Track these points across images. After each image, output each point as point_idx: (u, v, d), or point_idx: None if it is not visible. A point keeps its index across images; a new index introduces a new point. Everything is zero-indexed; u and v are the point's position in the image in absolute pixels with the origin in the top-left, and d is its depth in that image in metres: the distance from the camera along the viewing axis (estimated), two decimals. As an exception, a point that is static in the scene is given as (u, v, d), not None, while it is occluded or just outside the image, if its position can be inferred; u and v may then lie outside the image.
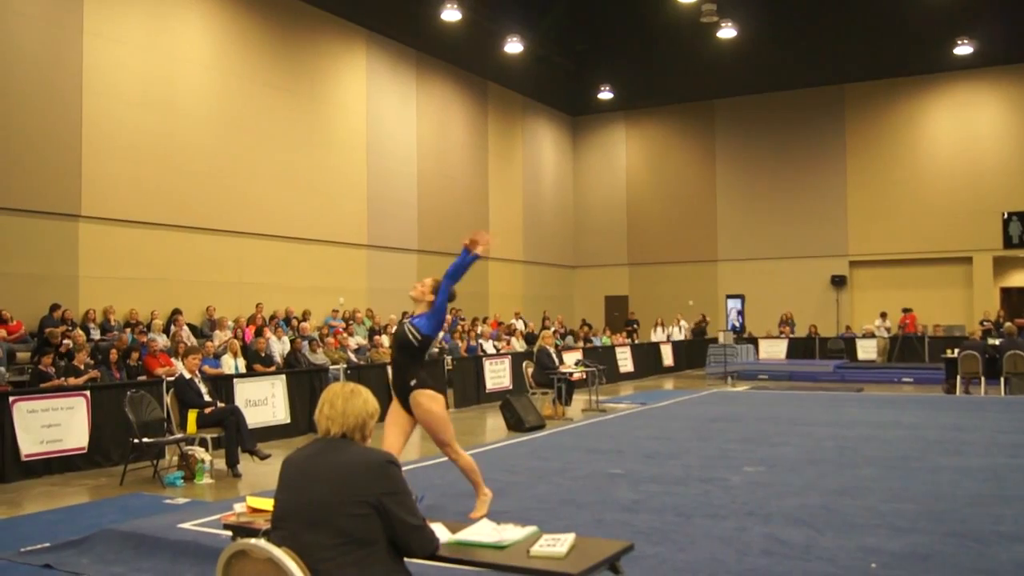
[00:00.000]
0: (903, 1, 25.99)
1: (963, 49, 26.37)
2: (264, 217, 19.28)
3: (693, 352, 27.10)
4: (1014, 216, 26.82)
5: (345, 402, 3.33)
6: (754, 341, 27.51)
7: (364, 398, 3.37)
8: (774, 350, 27.12)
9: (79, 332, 14.11)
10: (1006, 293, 27.98)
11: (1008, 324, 19.18)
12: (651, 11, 28.10)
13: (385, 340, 18.94)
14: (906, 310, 26.48)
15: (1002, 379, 17.14)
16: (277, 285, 19.44)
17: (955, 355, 18.02)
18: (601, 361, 17.87)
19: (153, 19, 17.21)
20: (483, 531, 3.69)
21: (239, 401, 11.89)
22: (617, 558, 3.51)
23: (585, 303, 32.57)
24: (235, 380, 12.62)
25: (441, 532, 3.57)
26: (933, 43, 26.74)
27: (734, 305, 30.54)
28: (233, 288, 18.44)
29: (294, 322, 18.43)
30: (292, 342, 16.48)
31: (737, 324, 29.68)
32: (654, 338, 27.34)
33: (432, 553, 3.34)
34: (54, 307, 14.66)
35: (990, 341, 19.61)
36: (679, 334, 27.98)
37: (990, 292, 27.39)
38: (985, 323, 24.98)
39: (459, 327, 22.06)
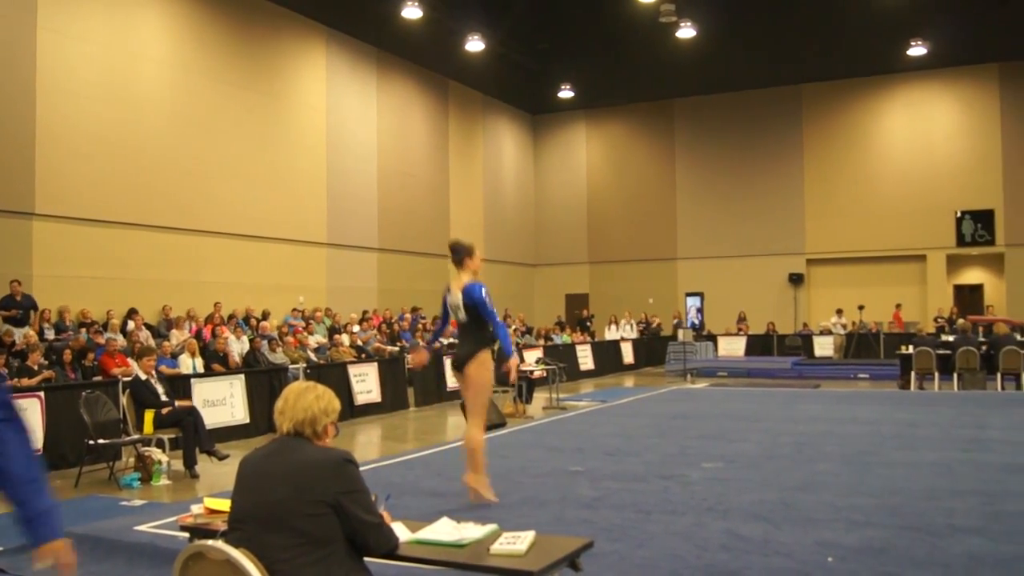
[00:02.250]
0: (858, 2, 26.27)
1: (917, 50, 26.71)
2: (223, 215, 19.09)
3: (653, 349, 27.24)
4: (967, 215, 27.29)
5: (297, 397, 3.32)
6: (713, 338, 27.73)
7: (317, 395, 3.34)
8: (733, 347, 27.35)
9: (31, 332, 13.88)
10: (959, 290, 28.44)
11: (961, 321, 19.50)
12: (611, 11, 28.16)
13: (345, 339, 18.84)
14: (868, 306, 26.77)
15: (955, 375, 17.43)
16: (236, 284, 19.26)
17: (910, 351, 18.30)
18: (561, 359, 17.91)
19: (110, 15, 16.96)
20: (443, 530, 3.69)
21: (197, 401, 11.76)
22: (577, 555, 3.52)
23: (546, 301, 32.62)
24: (193, 380, 12.49)
25: (401, 531, 3.56)
26: (887, 44, 27.06)
27: (693, 303, 30.76)
28: (191, 287, 18.23)
29: (253, 321, 18.28)
30: (251, 341, 16.35)
31: (696, 321, 29.88)
32: (608, 336, 27.45)
33: (392, 552, 3.34)
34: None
35: (943, 337, 19.95)
36: (631, 331, 28.05)
37: (944, 289, 27.84)
38: (939, 320, 25.41)
39: (419, 325, 22.02)
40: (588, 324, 28.67)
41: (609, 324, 28.15)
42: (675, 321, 28.80)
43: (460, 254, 7.37)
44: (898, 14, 25.52)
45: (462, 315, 7.23)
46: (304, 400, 3.30)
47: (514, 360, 7.14)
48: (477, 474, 7.23)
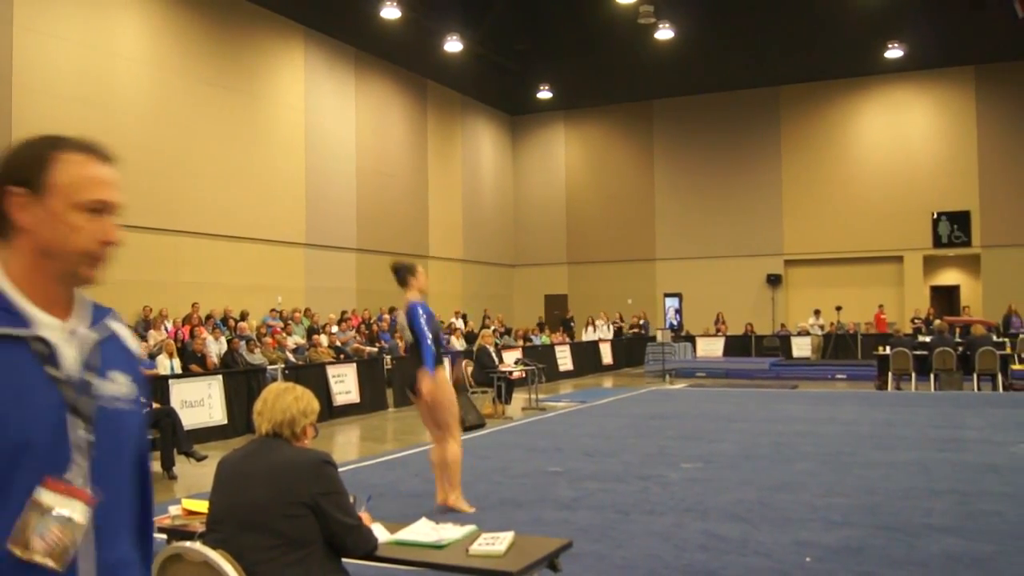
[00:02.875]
0: (836, 5, 26.43)
1: (894, 53, 26.89)
2: (200, 215, 18.96)
3: (632, 350, 27.28)
4: (943, 216, 27.50)
5: (276, 398, 3.30)
6: (691, 339, 27.80)
7: (296, 396, 3.33)
8: (711, 348, 27.44)
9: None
10: (936, 291, 28.64)
11: (938, 321, 19.65)
12: (590, 12, 28.23)
13: (323, 340, 18.77)
14: (845, 306, 26.92)
15: (932, 375, 17.55)
16: (214, 284, 19.14)
17: (887, 352, 18.42)
18: (540, 360, 17.91)
19: (87, 13, 16.82)
20: (422, 530, 3.68)
21: (175, 402, 11.69)
22: (556, 556, 3.52)
23: (525, 302, 32.60)
24: (171, 381, 12.40)
25: (380, 532, 3.55)
26: (865, 46, 27.23)
27: (672, 303, 30.84)
28: (169, 287, 18.10)
29: (231, 322, 18.17)
30: (229, 342, 16.25)
31: (675, 322, 29.96)
32: (586, 337, 27.49)
33: (370, 553, 3.33)
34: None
35: (920, 338, 20.08)
36: (608, 332, 28.09)
37: (920, 291, 28.03)
38: (915, 320, 25.60)
39: (398, 326, 21.96)
40: (571, 324, 28.71)
41: (587, 325, 28.19)
42: (641, 322, 28.81)
43: (402, 274, 7.24)
44: (875, 16, 25.71)
45: (408, 335, 7.12)
46: (283, 401, 3.28)
47: (426, 383, 6.86)
48: (455, 490, 7.12)
